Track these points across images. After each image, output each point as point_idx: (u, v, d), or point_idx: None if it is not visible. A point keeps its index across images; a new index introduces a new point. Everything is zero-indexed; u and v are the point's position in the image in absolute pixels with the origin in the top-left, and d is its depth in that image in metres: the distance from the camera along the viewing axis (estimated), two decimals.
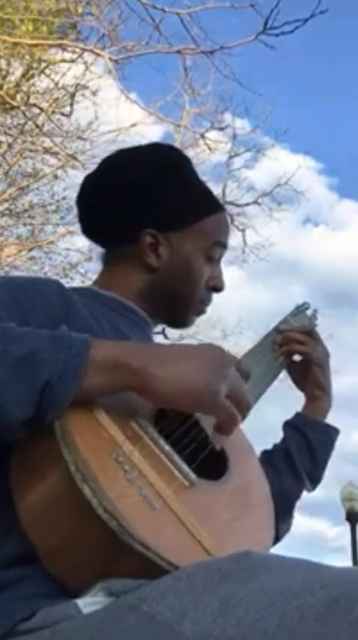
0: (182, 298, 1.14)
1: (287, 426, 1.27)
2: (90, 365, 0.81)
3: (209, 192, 1.20)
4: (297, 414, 1.29)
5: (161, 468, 0.86)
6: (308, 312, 1.36)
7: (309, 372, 1.27)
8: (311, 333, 1.29)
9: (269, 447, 1.28)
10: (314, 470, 1.25)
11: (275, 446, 1.26)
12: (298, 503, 1.25)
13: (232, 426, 0.91)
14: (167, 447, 0.89)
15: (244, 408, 0.91)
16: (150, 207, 1.12)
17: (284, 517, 1.18)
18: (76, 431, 0.79)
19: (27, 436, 0.80)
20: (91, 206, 1.17)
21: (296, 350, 1.28)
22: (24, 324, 0.86)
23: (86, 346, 0.82)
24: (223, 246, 1.17)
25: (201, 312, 1.18)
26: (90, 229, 1.18)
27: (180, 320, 1.18)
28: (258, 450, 1.19)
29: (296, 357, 1.30)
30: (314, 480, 1.26)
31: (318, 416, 1.28)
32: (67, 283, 1.07)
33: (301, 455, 1.22)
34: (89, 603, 0.75)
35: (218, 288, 1.17)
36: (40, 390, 0.78)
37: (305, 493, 1.25)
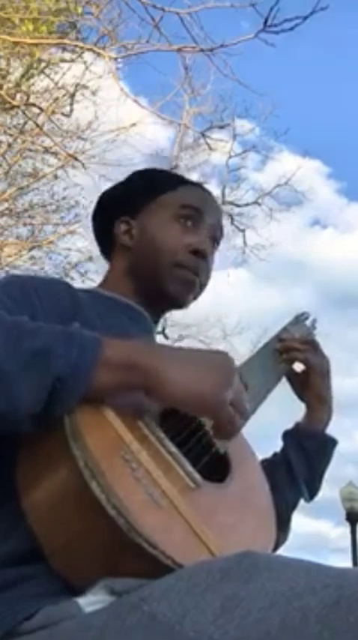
0: (159, 264, 1.14)
1: (287, 436, 1.27)
2: (101, 364, 0.82)
3: (172, 173, 1.26)
4: (296, 424, 1.29)
5: (167, 468, 0.86)
6: (308, 322, 1.36)
7: (309, 381, 1.28)
8: (311, 343, 1.29)
9: (268, 450, 1.28)
10: (312, 481, 1.25)
11: (275, 455, 1.26)
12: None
13: (232, 432, 0.92)
14: (173, 448, 0.89)
15: (243, 417, 0.93)
16: (121, 201, 1.22)
17: (284, 527, 1.17)
18: (85, 428, 0.80)
19: (34, 430, 0.81)
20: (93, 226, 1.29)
21: (296, 358, 1.28)
22: (33, 320, 0.86)
23: (97, 345, 0.83)
24: (194, 209, 1.17)
25: (188, 280, 1.15)
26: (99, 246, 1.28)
27: (167, 290, 1.15)
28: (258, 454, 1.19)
29: (298, 367, 1.30)
30: (312, 491, 1.26)
31: (317, 426, 1.28)
32: None
33: (300, 466, 1.22)
34: (91, 602, 0.75)
35: (198, 250, 1.15)
36: (51, 386, 0.78)
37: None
